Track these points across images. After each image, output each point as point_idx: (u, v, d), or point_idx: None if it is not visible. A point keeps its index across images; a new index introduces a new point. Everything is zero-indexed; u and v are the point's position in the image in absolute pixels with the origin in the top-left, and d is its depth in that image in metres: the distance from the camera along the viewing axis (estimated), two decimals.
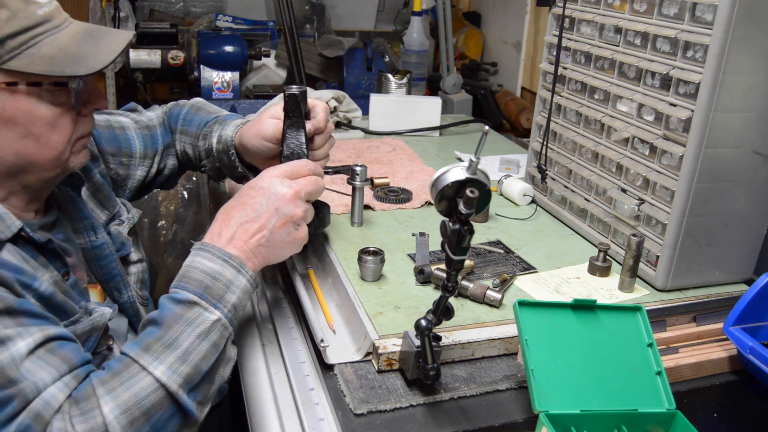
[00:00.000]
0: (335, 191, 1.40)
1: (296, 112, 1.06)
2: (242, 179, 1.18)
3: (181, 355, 0.78)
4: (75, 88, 0.82)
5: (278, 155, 1.07)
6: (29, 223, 0.84)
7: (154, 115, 1.22)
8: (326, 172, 1.49)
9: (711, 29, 0.94)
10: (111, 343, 0.91)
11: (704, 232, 1.05)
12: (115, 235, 1.02)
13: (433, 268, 1.05)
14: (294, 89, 1.05)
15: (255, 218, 0.89)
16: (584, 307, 0.85)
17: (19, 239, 0.81)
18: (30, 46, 0.77)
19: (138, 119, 1.17)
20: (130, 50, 2.25)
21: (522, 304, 0.81)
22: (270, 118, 1.09)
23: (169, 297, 0.83)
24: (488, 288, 1.00)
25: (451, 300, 0.89)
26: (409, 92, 2.04)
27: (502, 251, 1.18)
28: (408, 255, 1.15)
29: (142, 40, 2.25)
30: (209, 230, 0.90)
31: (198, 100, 1.27)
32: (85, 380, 0.75)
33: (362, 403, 0.82)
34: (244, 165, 1.15)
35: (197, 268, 0.84)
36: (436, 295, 0.83)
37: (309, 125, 1.07)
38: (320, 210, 1.10)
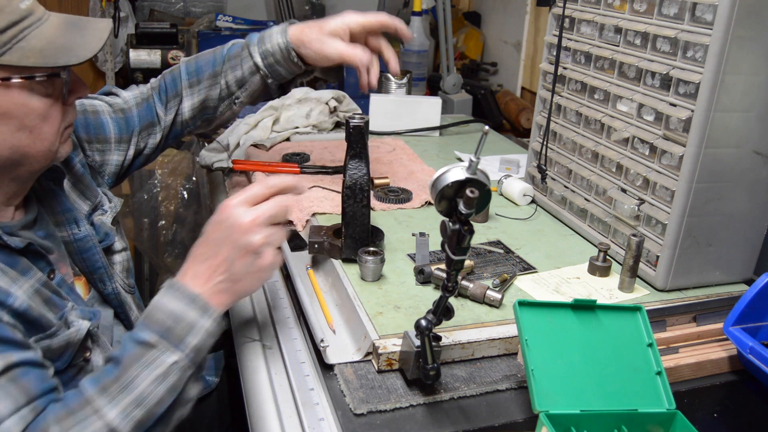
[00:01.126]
0: (335, 191, 1.40)
1: (360, 143, 1.06)
2: (292, 83, 1.20)
3: (136, 398, 0.77)
4: (66, 78, 0.83)
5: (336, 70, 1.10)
6: (8, 225, 0.84)
7: (131, 95, 1.19)
8: (326, 172, 1.50)
9: (711, 29, 0.94)
10: (88, 354, 0.90)
11: (704, 232, 1.05)
12: (98, 225, 1.02)
13: (433, 268, 1.05)
14: (357, 120, 1.05)
15: (214, 254, 0.85)
16: (584, 307, 0.85)
17: None
18: (19, 40, 0.78)
19: (113, 102, 1.15)
20: (130, 50, 2.25)
21: (522, 304, 0.81)
22: (331, 36, 1.10)
23: (130, 335, 0.82)
24: (488, 288, 1.00)
25: (451, 300, 0.89)
26: (409, 92, 2.04)
27: (502, 251, 1.18)
28: (408, 255, 1.15)
29: (142, 40, 2.25)
30: (182, 266, 0.88)
31: (187, 57, 1.24)
32: (41, 414, 0.75)
33: (362, 403, 0.82)
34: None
35: (161, 309, 0.82)
36: (436, 295, 0.83)
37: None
38: (376, 235, 1.13)
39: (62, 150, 0.89)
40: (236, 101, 1.20)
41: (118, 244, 1.07)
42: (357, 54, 1.12)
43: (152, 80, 1.23)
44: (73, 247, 0.96)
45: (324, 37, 1.11)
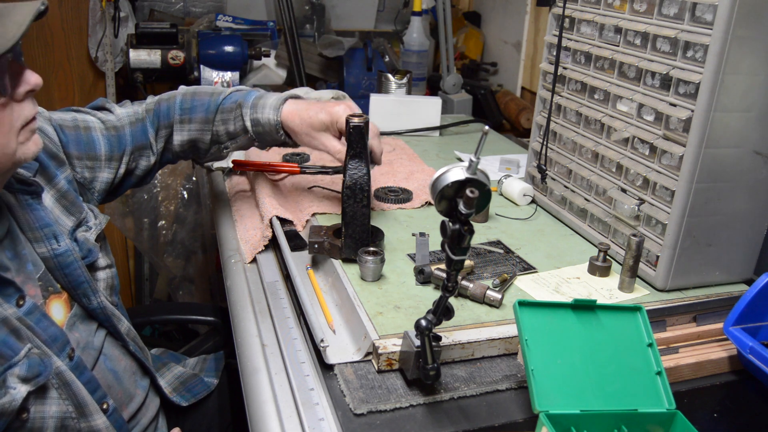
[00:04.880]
0: (335, 191, 1.40)
1: (360, 144, 1.07)
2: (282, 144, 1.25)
3: None
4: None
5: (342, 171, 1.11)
6: None
7: (125, 113, 1.17)
8: (326, 172, 1.50)
9: (711, 29, 0.94)
10: (25, 416, 0.82)
11: (704, 232, 1.05)
12: (81, 241, 0.99)
13: (433, 268, 1.05)
14: (356, 120, 1.06)
15: None
16: (584, 307, 0.85)
17: None
18: None
19: (106, 119, 1.13)
20: (130, 50, 2.25)
21: (522, 304, 0.81)
22: (320, 131, 1.17)
23: None
24: (488, 288, 1.00)
25: (451, 300, 0.89)
26: (409, 92, 2.04)
27: (502, 251, 1.18)
28: (408, 255, 1.15)
29: (142, 40, 2.25)
30: None
31: (186, 88, 1.24)
32: None
33: (362, 403, 0.82)
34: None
35: None
36: (436, 295, 0.83)
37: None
38: (376, 235, 1.13)
39: (23, 151, 0.82)
40: (225, 150, 1.24)
41: (102, 261, 1.03)
42: (344, 153, 1.13)
43: (148, 100, 1.22)
44: (54, 263, 0.93)
45: (313, 132, 1.17)
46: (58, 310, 0.93)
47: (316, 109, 1.17)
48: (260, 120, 1.18)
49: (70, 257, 0.94)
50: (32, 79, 0.81)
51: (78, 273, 0.95)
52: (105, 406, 0.94)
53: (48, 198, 0.96)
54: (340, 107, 1.16)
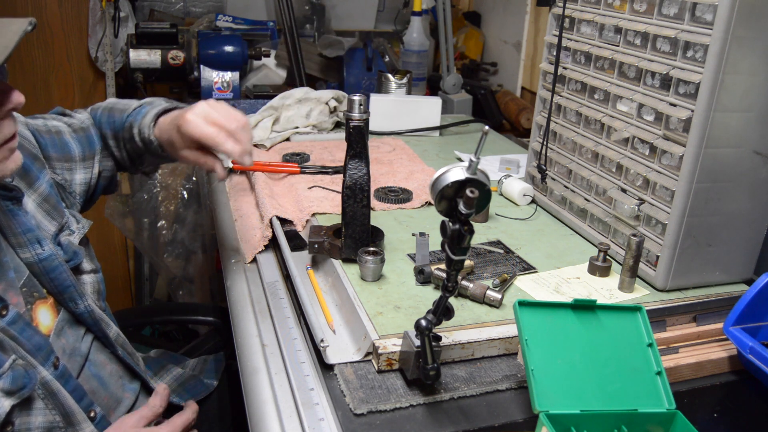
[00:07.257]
0: (335, 191, 1.40)
1: (360, 143, 1.05)
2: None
3: None
4: None
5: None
6: None
7: (85, 116, 1.16)
8: (326, 172, 1.50)
9: (711, 29, 0.94)
10: (10, 429, 0.81)
11: (704, 232, 1.05)
12: (65, 245, 0.98)
13: (433, 268, 1.05)
14: (356, 120, 1.03)
15: None
16: (584, 307, 0.85)
17: None
18: None
19: (71, 122, 1.12)
20: (130, 50, 2.25)
21: (522, 304, 0.81)
22: (193, 116, 1.02)
23: None
24: (488, 288, 1.00)
25: (451, 300, 0.89)
26: (409, 92, 2.04)
27: (502, 251, 1.18)
28: (408, 255, 1.15)
29: (142, 40, 2.25)
30: None
31: (108, 101, 1.21)
32: None
33: (362, 403, 0.82)
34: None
35: None
36: (436, 295, 0.83)
37: None
38: (376, 235, 1.14)
39: (3, 168, 0.81)
40: (146, 171, 1.18)
41: (87, 265, 1.02)
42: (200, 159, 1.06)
43: (87, 110, 1.19)
44: (38, 268, 0.92)
45: (187, 117, 1.02)
46: (45, 315, 0.92)
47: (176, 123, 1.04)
48: (142, 131, 1.10)
49: (54, 261, 0.93)
50: (15, 98, 0.80)
51: (64, 277, 0.94)
52: (92, 414, 0.93)
53: (30, 203, 0.96)
54: (189, 112, 1.02)
